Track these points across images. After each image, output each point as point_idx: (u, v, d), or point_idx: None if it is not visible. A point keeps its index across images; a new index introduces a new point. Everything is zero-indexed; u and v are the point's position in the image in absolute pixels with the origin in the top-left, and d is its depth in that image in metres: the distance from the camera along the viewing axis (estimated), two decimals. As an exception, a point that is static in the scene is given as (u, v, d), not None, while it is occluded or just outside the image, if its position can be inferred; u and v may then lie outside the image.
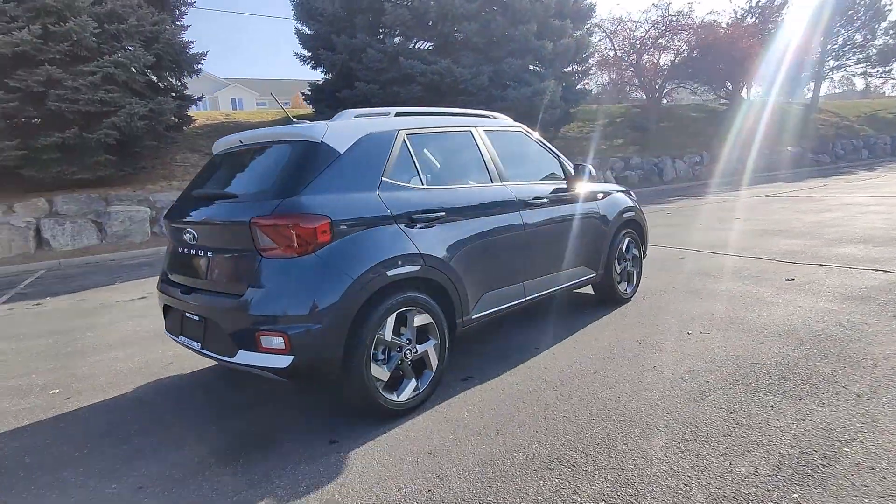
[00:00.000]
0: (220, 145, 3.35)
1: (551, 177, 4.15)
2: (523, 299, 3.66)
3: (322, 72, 17.84)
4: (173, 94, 14.44)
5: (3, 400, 3.53)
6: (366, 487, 2.24)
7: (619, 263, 4.63)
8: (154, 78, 13.89)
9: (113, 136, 11.68)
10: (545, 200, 3.83)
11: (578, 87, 19.30)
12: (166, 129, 13.37)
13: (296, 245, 2.52)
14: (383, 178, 2.90)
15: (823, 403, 2.65)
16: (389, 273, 2.72)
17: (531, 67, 17.10)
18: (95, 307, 6.23)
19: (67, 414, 3.26)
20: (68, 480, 2.47)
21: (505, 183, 3.61)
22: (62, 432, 3.00)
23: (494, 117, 3.99)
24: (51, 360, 4.34)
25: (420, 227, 2.94)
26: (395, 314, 2.78)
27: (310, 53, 17.51)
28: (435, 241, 2.98)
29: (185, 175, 14.37)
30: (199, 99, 15.42)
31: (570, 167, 4.18)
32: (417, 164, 3.12)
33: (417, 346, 2.93)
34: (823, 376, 2.96)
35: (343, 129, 2.89)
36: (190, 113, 15.61)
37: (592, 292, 4.80)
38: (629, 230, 4.74)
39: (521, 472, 2.26)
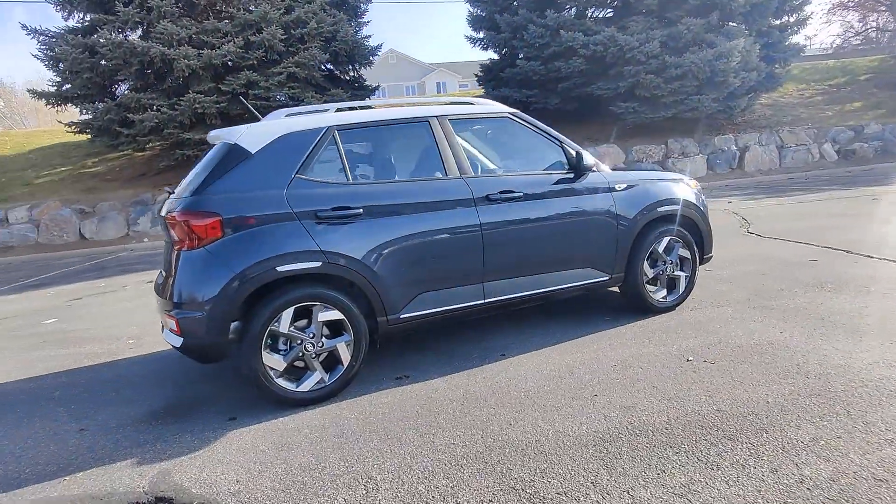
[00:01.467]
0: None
1: (548, 167, 3.69)
2: (482, 301, 3.39)
3: (495, 51, 18.02)
4: (356, 84, 16.21)
5: (93, 343, 4.63)
6: (200, 466, 2.44)
7: (651, 267, 3.92)
8: (337, 71, 15.76)
9: (296, 126, 13.65)
10: (519, 195, 3.44)
11: (790, 41, 15.88)
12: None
13: (190, 240, 2.80)
14: (297, 176, 2.98)
15: (738, 480, 1.96)
16: (279, 269, 2.83)
17: (731, 24, 14.71)
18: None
19: (118, 361, 4.15)
20: (54, 415, 3.19)
21: (465, 176, 3.35)
22: (96, 376, 3.85)
23: (473, 104, 3.69)
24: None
25: (329, 224, 2.96)
26: (293, 308, 2.88)
27: (481, 35, 17.77)
28: (345, 239, 2.97)
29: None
30: (376, 88, 16.95)
31: (574, 155, 3.65)
32: (346, 160, 3.11)
33: (326, 341, 2.99)
34: (791, 443, 2.17)
35: (261, 130, 3.05)
36: (373, 101, 17.29)
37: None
38: (671, 227, 3.95)
39: (323, 484, 2.21)
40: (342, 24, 14.26)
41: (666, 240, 3.95)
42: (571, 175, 3.64)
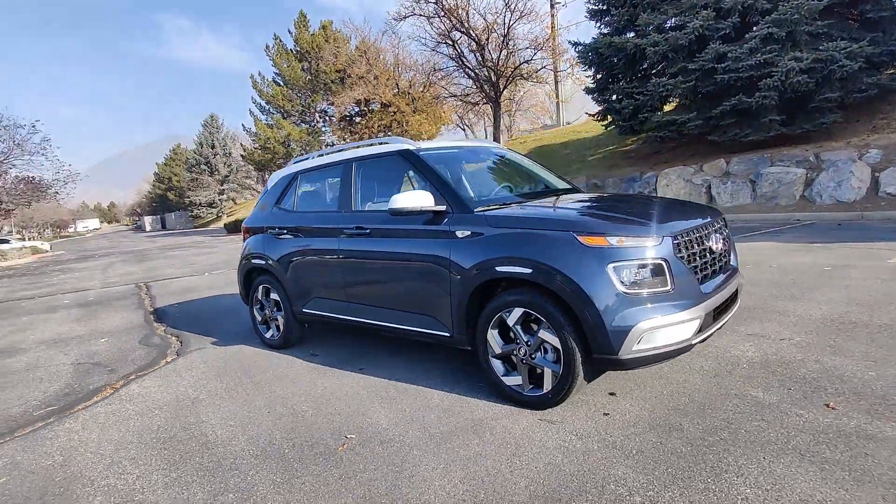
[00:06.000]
0: None
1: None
2: (351, 318, 3.93)
3: None
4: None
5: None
6: (169, 372, 4.83)
7: (502, 340, 3.03)
8: (869, 11, 11.76)
9: (771, 96, 11.68)
10: (367, 231, 3.67)
11: None
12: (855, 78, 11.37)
13: (243, 238, 5.05)
14: (276, 205, 4.64)
15: None
16: (253, 261, 4.68)
17: None
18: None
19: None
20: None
21: (343, 211, 3.93)
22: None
23: (387, 143, 3.86)
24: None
25: (275, 238, 4.50)
26: (262, 286, 4.70)
27: None
28: (278, 248, 4.43)
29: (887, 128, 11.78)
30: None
31: (430, 196, 3.32)
32: (297, 195, 4.46)
33: (276, 312, 4.63)
34: None
35: (276, 174, 4.79)
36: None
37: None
38: (525, 297, 2.86)
39: (185, 393, 4.21)
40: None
41: (518, 312, 2.92)
42: (417, 216, 3.41)
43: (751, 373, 3.14)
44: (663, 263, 2.67)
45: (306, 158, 4.75)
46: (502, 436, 2.69)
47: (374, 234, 3.69)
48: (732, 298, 3.18)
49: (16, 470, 2.84)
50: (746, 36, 11.72)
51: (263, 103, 36.87)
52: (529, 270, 2.82)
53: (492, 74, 24.23)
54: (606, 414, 2.81)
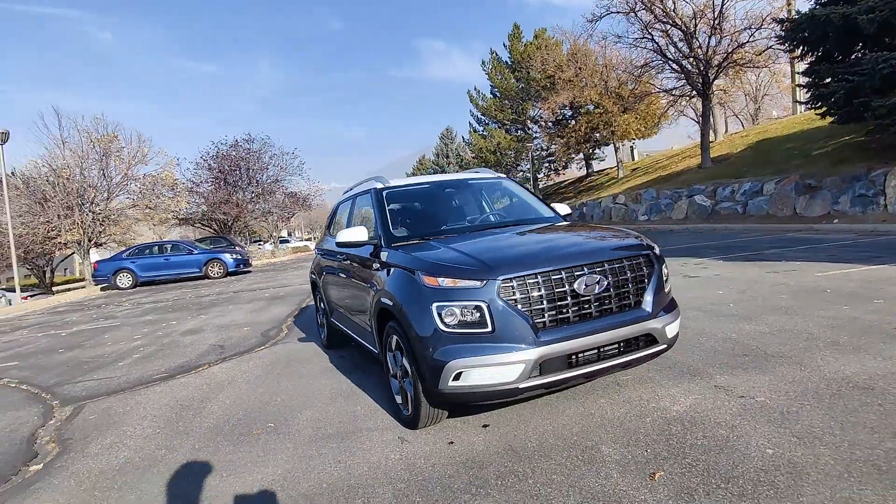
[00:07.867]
0: None
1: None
2: (354, 335, 4.64)
3: None
4: None
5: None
6: (246, 359, 6.12)
7: (393, 362, 3.44)
8: None
9: None
10: (343, 255, 4.38)
11: None
12: None
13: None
14: (328, 230, 5.64)
15: None
16: (311, 276, 5.79)
17: None
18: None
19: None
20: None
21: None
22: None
23: (369, 182, 4.47)
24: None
25: (320, 257, 5.52)
26: (317, 296, 5.77)
27: None
28: (319, 266, 5.43)
29: None
30: None
31: (366, 231, 3.91)
32: (334, 223, 5.40)
33: (323, 318, 5.64)
34: None
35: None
36: None
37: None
38: (394, 325, 3.24)
39: (235, 388, 5.55)
40: None
41: (395, 339, 3.30)
42: (363, 247, 3.97)
43: (643, 427, 2.88)
44: (483, 305, 2.75)
45: (349, 190, 5.65)
46: (356, 445, 3.12)
47: (349, 259, 4.37)
48: (628, 346, 2.96)
49: (103, 413, 4.35)
50: None
51: (479, 115, 39.65)
52: (391, 304, 3.18)
53: (700, 65, 21.79)
54: (451, 443, 2.98)
